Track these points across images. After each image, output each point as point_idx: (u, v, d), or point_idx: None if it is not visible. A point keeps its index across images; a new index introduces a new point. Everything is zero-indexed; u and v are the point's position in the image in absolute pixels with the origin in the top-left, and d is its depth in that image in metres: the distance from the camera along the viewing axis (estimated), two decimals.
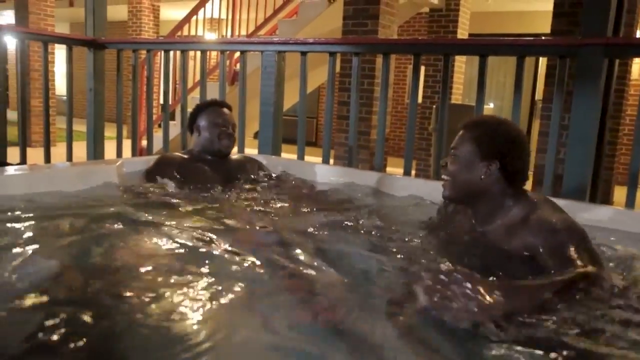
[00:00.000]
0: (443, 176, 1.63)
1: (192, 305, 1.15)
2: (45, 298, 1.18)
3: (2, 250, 1.42)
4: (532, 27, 8.00)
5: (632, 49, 2.73)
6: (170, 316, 1.11)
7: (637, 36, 5.94)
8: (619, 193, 5.63)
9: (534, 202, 1.55)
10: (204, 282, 1.29)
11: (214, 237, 1.61)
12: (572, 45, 2.56)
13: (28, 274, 1.29)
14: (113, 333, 1.06)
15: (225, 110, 2.46)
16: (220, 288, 1.25)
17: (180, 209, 1.98)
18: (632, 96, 6.76)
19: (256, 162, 2.64)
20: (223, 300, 1.20)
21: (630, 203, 2.37)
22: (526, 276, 1.34)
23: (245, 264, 1.42)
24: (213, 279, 1.30)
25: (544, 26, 5.45)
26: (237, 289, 1.26)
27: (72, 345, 0.98)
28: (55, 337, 0.99)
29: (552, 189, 2.55)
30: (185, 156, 2.43)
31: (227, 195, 2.23)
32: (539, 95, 8.28)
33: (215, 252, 1.50)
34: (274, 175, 2.60)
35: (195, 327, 1.08)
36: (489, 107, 9.00)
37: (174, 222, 1.78)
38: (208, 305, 1.16)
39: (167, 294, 1.20)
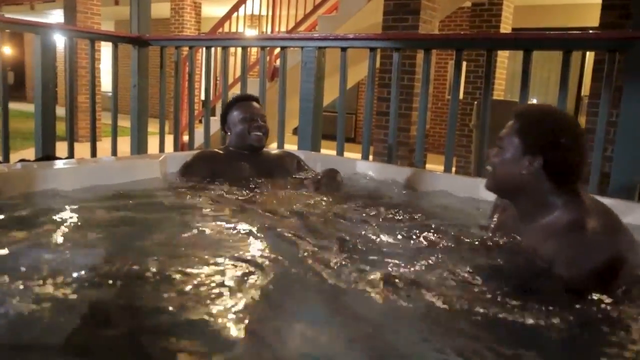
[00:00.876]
0: (487, 166, 1.55)
1: (224, 289, 1.19)
2: (93, 278, 1.27)
3: (53, 237, 1.49)
4: (579, 20, 7.76)
5: None
6: (206, 298, 1.16)
7: None
8: None
9: (585, 209, 1.38)
10: (234, 267, 1.33)
11: (247, 227, 1.65)
12: (623, 39, 2.50)
13: (78, 257, 1.35)
14: (146, 309, 1.13)
15: (253, 103, 2.44)
16: (251, 275, 1.29)
17: (216, 201, 2.01)
18: None
19: (295, 157, 2.63)
20: (254, 287, 1.23)
21: None
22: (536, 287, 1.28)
23: (277, 255, 1.44)
24: (243, 265, 1.34)
25: (592, 19, 5.30)
26: (267, 277, 1.29)
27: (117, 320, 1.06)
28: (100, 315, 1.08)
29: (598, 188, 2.48)
30: (222, 152, 2.44)
31: (263, 190, 2.23)
32: (585, 91, 8.05)
33: (246, 241, 1.54)
34: (313, 171, 2.58)
35: (226, 310, 1.11)
36: (533, 103, 8.79)
37: (210, 214, 1.83)
38: (240, 290, 1.21)
39: (202, 277, 1.27)
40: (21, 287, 1.15)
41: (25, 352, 0.97)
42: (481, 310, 1.15)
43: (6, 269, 1.27)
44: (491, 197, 2.04)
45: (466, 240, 1.61)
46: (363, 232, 1.71)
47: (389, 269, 1.37)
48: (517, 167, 1.42)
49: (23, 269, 1.27)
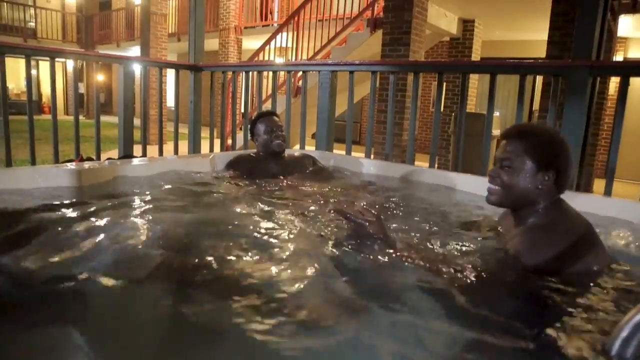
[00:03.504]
0: (491, 185, 1.29)
1: (263, 268, 1.14)
2: (158, 241, 1.29)
3: (130, 217, 1.50)
4: (531, 52, 7.67)
5: (611, 69, 2.77)
6: (245, 275, 1.12)
7: (614, 59, 5.99)
8: (598, 184, 5.59)
9: (557, 217, 1.23)
10: (272, 248, 1.29)
11: (277, 212, 1.62)
12: (564, 67, 2.52)
13: (148, 232, 1.35)
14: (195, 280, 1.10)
15: (274, 118, 2.38)
16: (288, 250, 1.26)
17: (252, 192, 2.01)
18: (609, 108, 6.65)
19: (311, 157, 2.59)
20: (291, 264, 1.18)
21: (607, 192, 2.28)
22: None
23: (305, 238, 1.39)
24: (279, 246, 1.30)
25: (541, 52, 5.31)
26: (295, 257, 1.23)
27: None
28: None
29: None
30: (254, 155, 2.44)
31: (286, 183, 2.23)
32: (535, 106, 7.94)
33: (279, 224, 1.49)
34: (323, 166, 2.56)
35: (264, 287, 1.05)
36: (496, 116, 8.69)
37: (248, 201, 1.82)
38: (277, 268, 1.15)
39: (241, 254, 1.23)
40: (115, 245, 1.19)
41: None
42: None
43: (100, 231, 1.31)
44: (462, 186, 2.00)
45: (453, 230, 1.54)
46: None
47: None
48: (533, 183, 1.23)
49: (115, 231, 1.32)
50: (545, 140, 1.25)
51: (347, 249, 1.26)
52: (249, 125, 2.42)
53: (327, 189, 2.13)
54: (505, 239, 1.34)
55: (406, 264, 1.17)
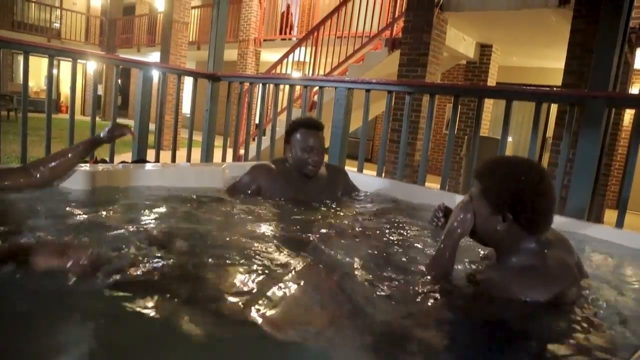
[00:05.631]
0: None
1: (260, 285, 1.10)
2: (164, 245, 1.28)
3: (139, 215, 1.53)
4: (547, 80, 7.68)
5: (628, 102, 2.78)
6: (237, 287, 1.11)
7: (630, 92, 6.02)
8: (609, 214, 5.57)
9: (549, 244, 1.18)
10: (263, 268, 1.23)
11: (286, 240, 1.47)
12: (580, 96, 2.52)
13: (150, 236, 1.35)
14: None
15: (317, 134, 2.02)
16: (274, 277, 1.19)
17: (267, 212, 1.84)
18: (623, 139, 6.61)
19: (343, 176, 2.23)
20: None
21: (619, 224, 2.25)
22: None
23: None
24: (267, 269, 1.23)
25: (556, 79, 5.30)
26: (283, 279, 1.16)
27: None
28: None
29: (558, 210, 2.40)
30: (277, 167, 2.07)
31: (313, 206, 1.96)
32: (549, 133, 7.92)
33: (281, 252, 1.38)
34: (360, 190, 2.27)
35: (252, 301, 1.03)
36: (509, 141, 8.67)
37: (259, 220, 1.70)
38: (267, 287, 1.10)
39: (238, 269, 1.21)
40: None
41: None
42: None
43: (111, 236, 1.31)
44: None
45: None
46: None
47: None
48: (492, 225, 1.18)
49: (127, 234, 1.33)
50: (499, 180, 1.16)
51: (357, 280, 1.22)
52: (287, 127, 2.08)
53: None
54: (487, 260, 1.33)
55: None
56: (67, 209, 1.53)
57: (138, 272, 1.09)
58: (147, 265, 1.14)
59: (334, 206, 2.04)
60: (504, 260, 1.21)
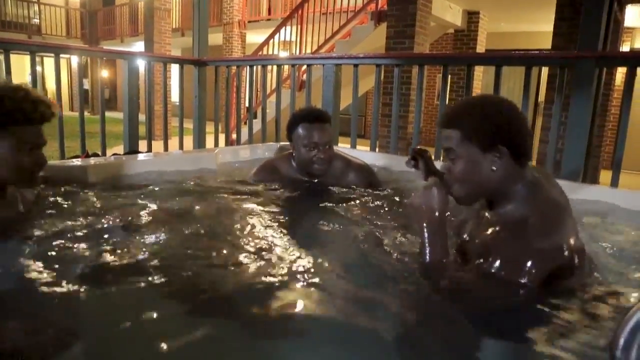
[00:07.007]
0: (453, 186, 1.13)
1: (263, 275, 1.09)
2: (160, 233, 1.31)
3: (135, 203, 1.53)
4: (537, 44, 7.60)
5: (618, 60, 2.72)
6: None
7: (621, 50, 5.87)
8: (604, 175, 5.45)
9: (537, 183, 1.11)
10: (267, 256, 1.20)
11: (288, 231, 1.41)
12: (570, 58, 2.49)
13: (148, 236, 1.35)
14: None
15: (321, 126, 1.78)
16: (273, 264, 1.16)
17: (270, 204, 1.72)
18: (615, 99, 6.50)
19: (368, 177, 1.89)
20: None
21: (614, 183, 2.27)
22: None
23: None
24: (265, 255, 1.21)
25: (546, 43, 5.26)
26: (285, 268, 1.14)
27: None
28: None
29: (553, 173, 2.42)
30: (282, 169, 1.90)
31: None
32: (541, 97, 7.90)
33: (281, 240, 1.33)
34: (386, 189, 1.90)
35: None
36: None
37: (258, 209, 1.62)
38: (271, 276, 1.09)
39: (240, 259, 1.19)
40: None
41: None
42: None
43: (105, 223, 1.33)
44: None
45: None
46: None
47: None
48: (487, 168, 1.08)
49: (119, 222, 1.36)
50: (480, 117, 1.08)
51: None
52: (288, 123, 1.85)
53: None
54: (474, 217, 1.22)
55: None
56: (65, 205, 1.53)
57: (135, 264, 1.10)
58: (143, 256, 1.14)
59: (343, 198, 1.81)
60: (502, 209, 1.11)
